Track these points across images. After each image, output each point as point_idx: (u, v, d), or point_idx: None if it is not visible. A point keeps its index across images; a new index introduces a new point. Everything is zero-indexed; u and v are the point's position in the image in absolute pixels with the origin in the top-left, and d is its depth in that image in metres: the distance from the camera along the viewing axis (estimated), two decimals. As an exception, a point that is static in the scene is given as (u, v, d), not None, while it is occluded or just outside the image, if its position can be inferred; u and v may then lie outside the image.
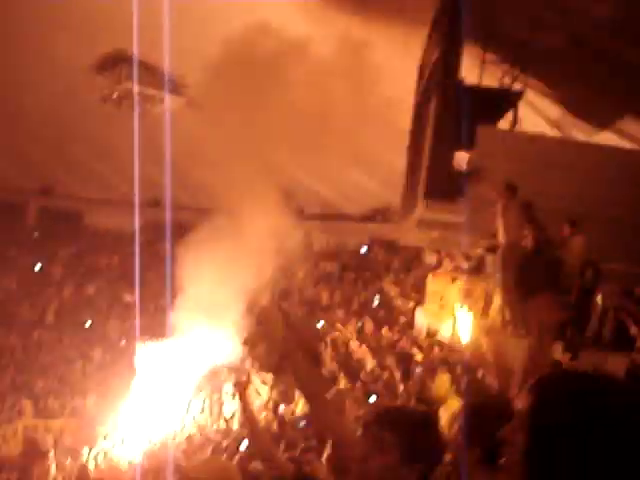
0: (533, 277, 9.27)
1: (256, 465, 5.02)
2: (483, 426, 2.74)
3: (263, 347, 2.99)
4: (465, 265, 15.14)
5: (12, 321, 25.15)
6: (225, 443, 12.16)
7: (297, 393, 14.24)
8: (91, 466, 15.48)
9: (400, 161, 19.29)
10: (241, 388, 4.14)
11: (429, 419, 2.74)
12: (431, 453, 2.46)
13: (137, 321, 14.78)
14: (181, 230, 15.68)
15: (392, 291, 19.44)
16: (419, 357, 12.99)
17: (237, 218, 14.51)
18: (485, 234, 12.22)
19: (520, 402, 1.67)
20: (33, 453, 18.85)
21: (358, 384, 13.27)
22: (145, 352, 16.34)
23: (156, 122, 23.55)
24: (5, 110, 25.80)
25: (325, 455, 3.96)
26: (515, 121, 13.90)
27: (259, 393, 15.03)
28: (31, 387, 22.07)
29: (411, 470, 2.37)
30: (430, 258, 17.56)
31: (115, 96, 24.33)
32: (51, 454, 16.78)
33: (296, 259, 16.14)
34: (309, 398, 2.93)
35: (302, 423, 10.46)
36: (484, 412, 2.81)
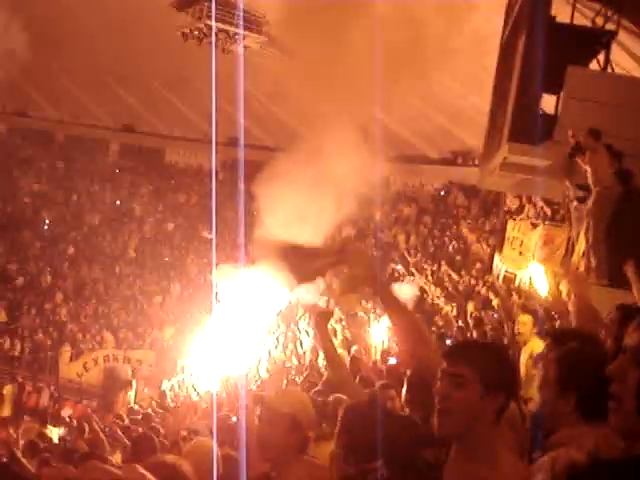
0: (622, 225, 8.91)
1: (334, 397, 4.97)
2: (580, 370, 2.61)
3: (352, 266, 3.01)
4: (547, 211, 14.70)
5: (95, 255, 25.89)
6: (299, 378, 12.30)
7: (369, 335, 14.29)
8: (169, 396, 15.90)
9: (484, 103, 18.73)
10: (324, 319, 4.08)
11: (505, 352, 2.72)
12: (509, 386, 2.42)
13: (214, 257, 14.93)
14: (259, 168, 15.66)
15: (470, 236, 19.14)
16: (496, 302, 12.77)
17: (317, 155, 14.40)
18: (570, 179, 11.79)
19: (629, 339, 1.56)
20: (113, 382, 19.56)
21: (433, 328, 13.17)
22: (223, 287, 16.57)
23: (236, 60, 23.55)
24: (89, 49, 26.14)
25: (404, 390, 3.89)
26: (607, 63, 13.23)
27: (335, 333, 15.10)
28: (112, 319, 22.78)
29: (490, 403, 2.32)
30: (511, 203, 17.10)
31: (196, 33, 24.30)
32: (133, 382, 17.32)
33: (373, 200, 16.01)
34: (395, 314, 2.95)
35: (392, 360, 10.42)
36: (580, 356, 2.67)
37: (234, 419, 6.09)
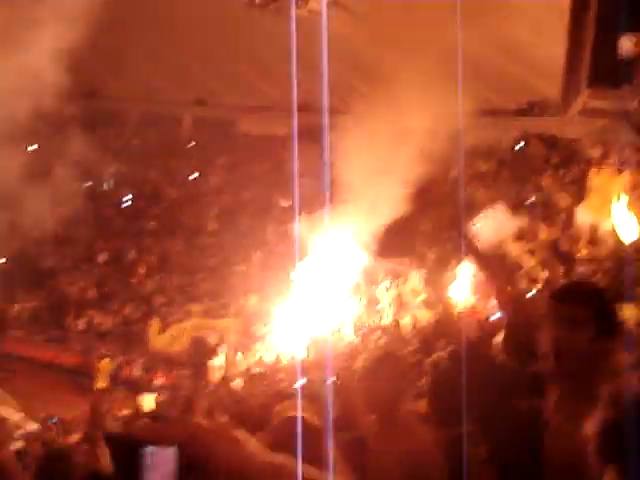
0: None
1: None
2: None
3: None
4: (632, 156, 14.18)
5: (176, 228, 26.38)
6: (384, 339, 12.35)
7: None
8: (256, 362, 16.15)
9: (557, 49, 18.14)
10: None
11: (610, 295, 2.63)
12: (618, 328, 2.32)
13: (296, 224, 14.95)
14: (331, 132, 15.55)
15: (551, 187, 18.65)
16: (583, 254, 12.47)
17: (394, 110, 14.25)
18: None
19: None
20: (201, 351, 19.98)
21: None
22: (303, 252, 16.64)
23: (302, 25, 23.36)
24: (156, 23, 26.38)
25: (502, 337, 3.83)
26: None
27: (417, 294, 15.08)
28: (197, 290, 23.24)
29: (604, 345, 2.23)
30: (593, 151, 16.55)
31: (259, 0, 24.22)
32: (221, 350, 17.64)
33: (451, 156, 15.72)
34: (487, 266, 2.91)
35: (496, 315, 10.30)
36: None
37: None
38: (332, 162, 14.71)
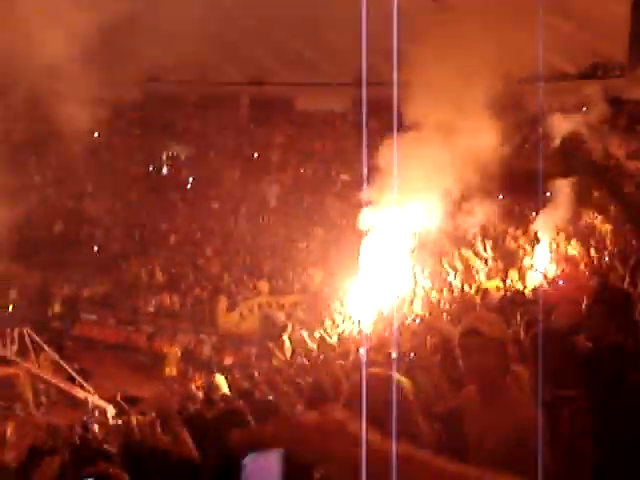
0: None
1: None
2: None
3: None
4: None
5: (238, 208, 26.59)
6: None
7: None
8: (325, 338, 16.15)
9: (621, 8, 17.58)
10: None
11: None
12: None
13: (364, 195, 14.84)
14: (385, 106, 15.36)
15: (618, 152, 18.09)
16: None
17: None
18: None
19: None
20: (269, 328, 20.14)
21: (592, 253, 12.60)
22: (366, 225, 16.55)
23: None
24: (213, 4, 26.47)
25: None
26: None
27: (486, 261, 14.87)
28: (262, 268, 23.41)
29: None
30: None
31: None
32: (289, 326, 17.73)
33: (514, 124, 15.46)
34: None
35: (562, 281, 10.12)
36: None
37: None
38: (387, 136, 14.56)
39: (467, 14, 14.92)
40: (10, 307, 21.68)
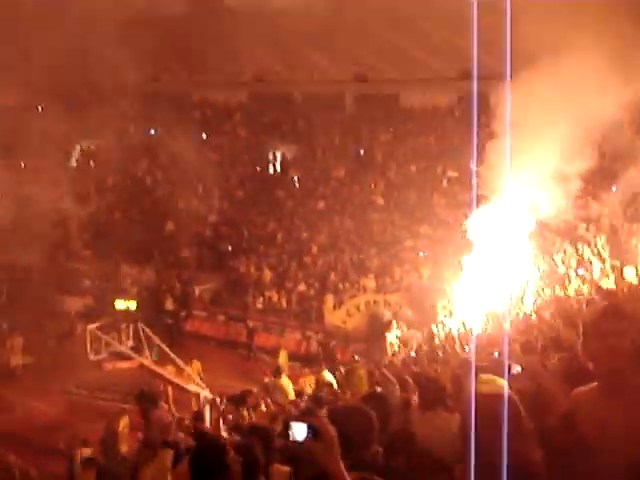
0: None
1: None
2: None
3: None
4: None
5: (345, 206, 26.61)
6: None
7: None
8: (435, 337, 16.01)
9: None
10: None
11: None
12: None
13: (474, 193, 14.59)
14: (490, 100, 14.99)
15: None
16: None
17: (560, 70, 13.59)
18: None
19: None
20: (377, 326, 20.08)
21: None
22: (474, 222, 16.26)
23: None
24: (318, 12, 26.66)
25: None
26: None
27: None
28: (368, 266, 23.36)
29: None
30: None
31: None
32: (394, 324, 17.66)
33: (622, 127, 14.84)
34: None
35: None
36: None
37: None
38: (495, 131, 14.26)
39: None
40: (131, 304, 22.48)
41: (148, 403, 12.75)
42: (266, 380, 14.38)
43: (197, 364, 17.81)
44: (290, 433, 3.04)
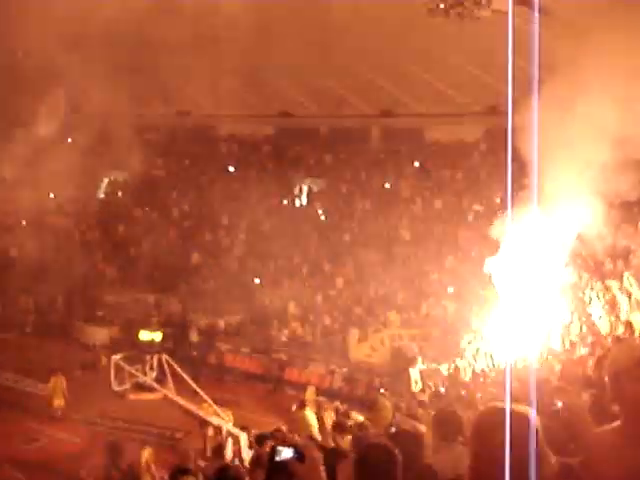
0: None
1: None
2: None
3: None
4: None
5: (370, 240, 26.60)
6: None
7: None
8: (461, 370, 15.86)
9: None
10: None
11: None
12: None
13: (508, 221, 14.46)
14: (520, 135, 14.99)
15: None
16: None
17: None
18: None
19: None
20: (401, 360, 19.96)
21: None
22: (500, 257, 16.15)
23: (483, 26, 22.86)
24: (341, 41, 26.90)
25: None
26: None
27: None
28: (394, 299, 23.28)
29: None
30: None
31: (442, 7, 23.96)
32: (419, 359, 17.53)
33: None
34: None
35: None
36: None
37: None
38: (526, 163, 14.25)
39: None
40: (156, 336, 22.61)
41: (115, 455, 12.92)
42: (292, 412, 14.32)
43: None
44: (276, 456, 3.26)
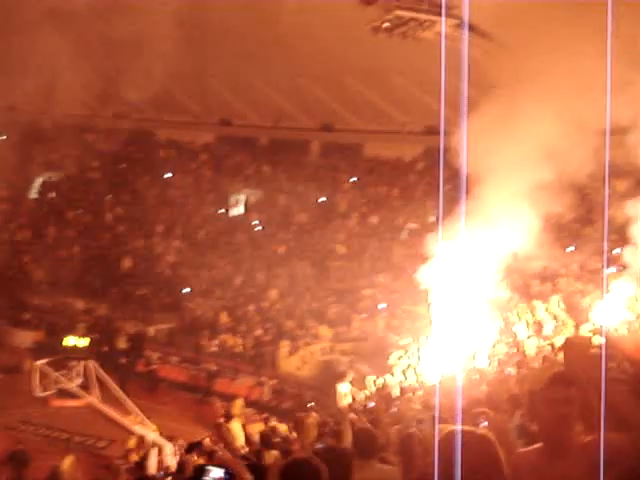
0: None
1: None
2: None
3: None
4: None
5: (305, 253, 26.64)
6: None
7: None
8: (391, 390, 15.95)
9: None
10: None
11: None
12: None
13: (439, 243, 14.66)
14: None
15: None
16: None
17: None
18: None
19: None
20: (330, 374, 19.98)
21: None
22: (432, 274, 16.37)
23: (426, 48, 23.28)
24: (284, 54, 26.99)
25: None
26: None
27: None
28: (326, 313, 23.33)
29: None
30: None
31: (386, 25, 24.24)
32: (350, 374, 17.57)
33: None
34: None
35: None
36: None
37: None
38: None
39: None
40: (83, 341, 22.17)
41: (19, 464, 12.60)
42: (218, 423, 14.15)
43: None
44: (205, 476, 3.20)
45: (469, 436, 2.82)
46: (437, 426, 3.58)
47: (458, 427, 2.95)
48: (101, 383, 19.54)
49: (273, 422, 13.35)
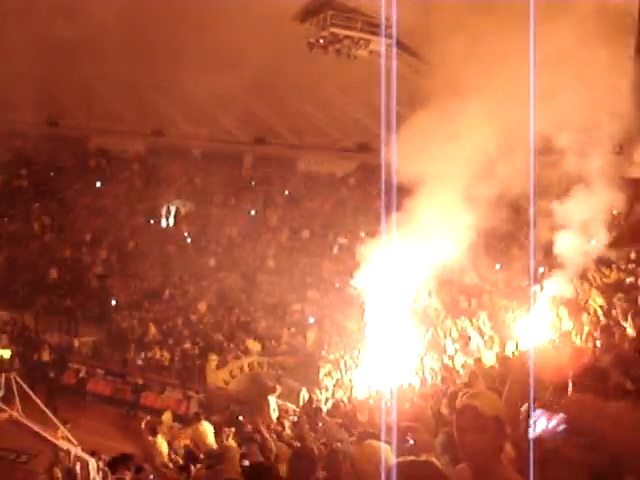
0: None
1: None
2: None
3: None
4: None
5: (235, 266, 26.56)
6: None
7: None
8: (319, 404, 15.99)
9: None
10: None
11: None
12: None
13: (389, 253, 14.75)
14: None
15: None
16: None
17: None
18: None
19: None
20: (259, 388, 19.92)
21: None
22: (361, 289, 16.53)
23: (362, 65, 23.64)
24: (219, 65, 26.94)
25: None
26: None
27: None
28: (255, 327, 23.27)
29: None
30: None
31: (321, 42, 24.54)
32: (278, 388, 17.54)
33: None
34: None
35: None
36: None
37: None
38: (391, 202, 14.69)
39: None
40: (5, 353, 21.54)
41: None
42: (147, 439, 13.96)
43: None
44: None
45: (413, 466, 2.85)
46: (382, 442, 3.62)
47: (383, 444, 3.00)
48: (23, 396, 19.00)
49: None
